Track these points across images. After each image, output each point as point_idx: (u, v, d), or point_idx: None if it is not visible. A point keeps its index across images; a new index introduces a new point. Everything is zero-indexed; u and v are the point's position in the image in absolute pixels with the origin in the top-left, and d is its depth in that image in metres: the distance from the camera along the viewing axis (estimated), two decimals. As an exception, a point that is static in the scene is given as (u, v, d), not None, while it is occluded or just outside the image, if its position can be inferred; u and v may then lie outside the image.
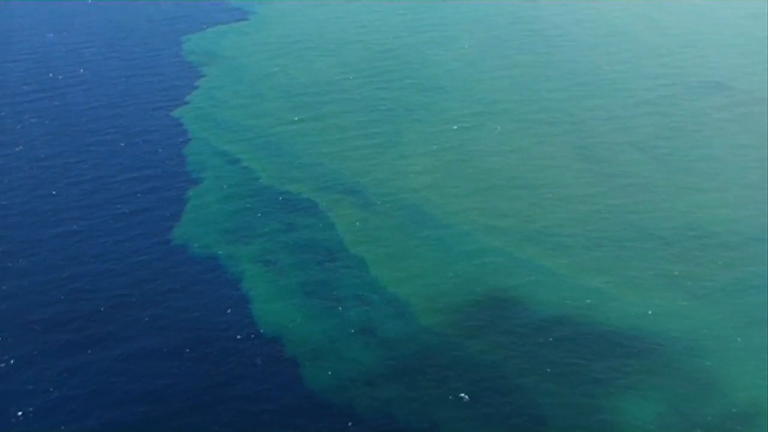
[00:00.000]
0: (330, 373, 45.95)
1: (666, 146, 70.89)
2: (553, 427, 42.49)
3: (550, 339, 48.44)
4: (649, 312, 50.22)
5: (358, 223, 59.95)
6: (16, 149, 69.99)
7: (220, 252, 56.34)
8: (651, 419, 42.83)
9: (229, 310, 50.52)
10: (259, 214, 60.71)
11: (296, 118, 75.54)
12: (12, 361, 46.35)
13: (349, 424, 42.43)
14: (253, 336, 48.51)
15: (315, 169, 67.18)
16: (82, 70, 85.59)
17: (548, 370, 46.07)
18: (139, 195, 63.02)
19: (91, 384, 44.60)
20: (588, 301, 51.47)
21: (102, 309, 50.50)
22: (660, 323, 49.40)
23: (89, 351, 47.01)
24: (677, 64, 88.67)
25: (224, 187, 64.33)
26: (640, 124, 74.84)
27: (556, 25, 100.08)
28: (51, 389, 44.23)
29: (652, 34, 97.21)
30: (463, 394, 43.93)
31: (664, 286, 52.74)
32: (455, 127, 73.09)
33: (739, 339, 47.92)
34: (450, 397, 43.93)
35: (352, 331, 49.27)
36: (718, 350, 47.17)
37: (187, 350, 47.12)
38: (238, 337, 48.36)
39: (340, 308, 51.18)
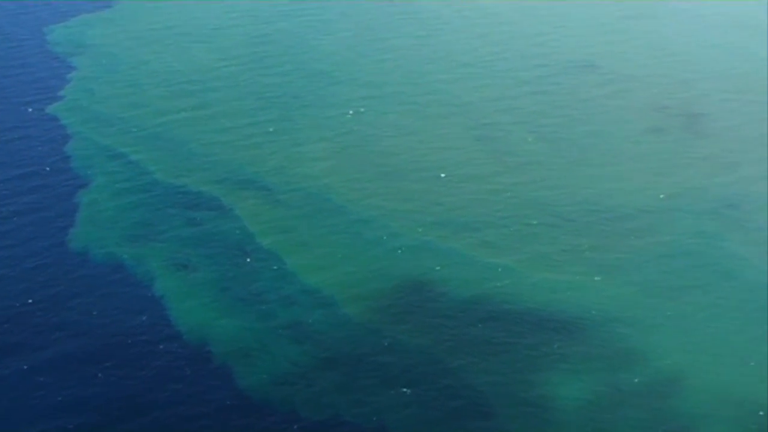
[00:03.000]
0: (262, 370, 44.54)
1: (552, 124, 72.70)
2: (494, 406, 42.86)
3: (476, 319, 48.83)
4: (566, 287, 51.45)
5: (263, 214, 58.37)
6: None
7: (123, 252, 53.38)
8: (585, 389, 43.96)
9: (143, 313, 47.96)
10: (159, 211, 57.95)
11: (180, 107, 72.63)
12: None
13: (293, 420, 41.27)
14: (173, 339, 46.26)
15: (209, 160, 64.83)
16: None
17: (479, 349, 46.43)
18: (23, 195, 58.82)
19: (6, 400, 41.24)
20: (505, 279, 52.19)
21: (2, 318, 46.80)
22: (577, 297, 50.69)
23: (-3, 365, 43.58)
24: (549, 44, 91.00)
25: (116, 183, 61.00)
26: (525, 104, 76.41)
27: (429, 8, 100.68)
28: (-38, 412, 40.73)
29: (521, 16, 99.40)
30: (405, 389, 43.49)
31: (574, 261, 54.14)
32: (351, 113, 72.30)
33: (653, 308, 49.81)
34: (391, 390, 43.44)
35: (277, 325, 47.91)
36: (636, 320, 48.87)
37: (106, 357, 44.38)
38: (158, 339, 46.01)
39: (260, 303, 49.65)
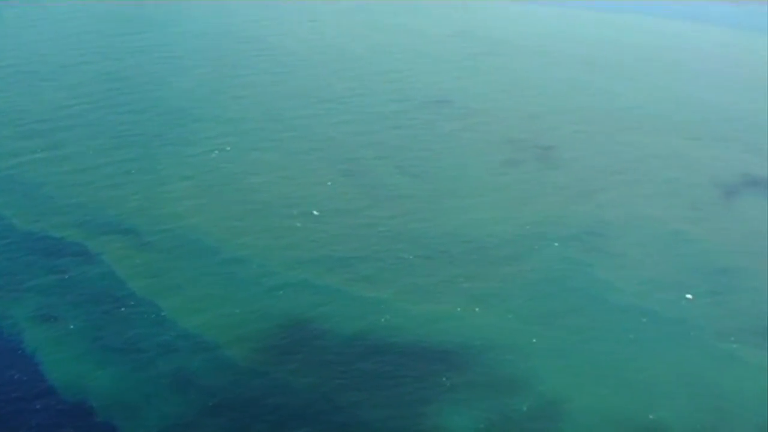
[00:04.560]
0: (147, 422, 42.45)
1: (415, 157, 74.14)
2: (390, 440, 42.89)
3: (362, 354, 48.68)
4: (446, 318, 52.25)
5: (130, 258, 56.12)
6: None
7: (-15, 307, 49.95)
8: (476, 417, 44.51)
9: (13, 368, 44.79)
10: (18, 259, 54.63)
11: (32, 148, 69.02)
12: None
13: (187, 472, 39.68)
14: (49, 394, 43.41)
15: (67, 203, 61.89)
16: None
17: (369, 384, 46.29)
18: None
19: None
20: (387, 313, 52.36)
21: None
22: (458, 327, 51.50)
23: None
24: (403, 80, 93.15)
25: (-32, 231, 57.21)
26: (386, 139, 77.61)
27: (281, 44, 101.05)
28: None
29: (374, 53, 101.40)
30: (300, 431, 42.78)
31: (452, 292, 55.03)
32: (215, 153, 70.90)
33: (530, 334, 51.30)
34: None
35: (158, 373, 45.93)
36: (515, 347, 50.10)
37: (-24, 419, 41.25)
38: (33, 396, 43.03)
39: (137, 352, 47.51)
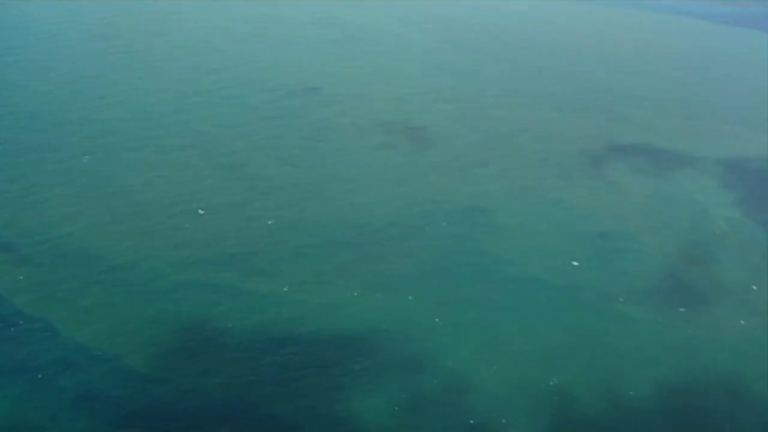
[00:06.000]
0: (57, 443, 40.98)
1: (291, 146, 73.73)
2: (309, 429, 42.93)
3: (268, 347, 48.53)
4: (346, 304, 52.63)
5: (9, 273, 53.51)
6: None
7: None
8: (391, 398, 45.36)
9: None
10: None
11: None
12: None
13: (107, 488, 38.44)
14: (-54, 427, 41.14)
15: (-70, 222, 58.23)
16: None
17: (280, 377, 46.23)
18: None
19: None
20: (287, 304, 52.30)
21: None
22: (359, 312, 52.02)
23: None
24: (268, 70, 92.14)
25: None
26: (259, 129, 76.79)
27: (139, 40, 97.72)
28: None
29: (234, 44, 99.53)
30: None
31: (349, 278, 55.38)
32: (86, 157, 68.06)
33: (430, 312, 52.43)
34: None
35: (59, 390, 44.27)
36: (417, 326, 51.14)
37: None
38: (-74, 430, 40.70)
39: (34, 370, 45.55)
